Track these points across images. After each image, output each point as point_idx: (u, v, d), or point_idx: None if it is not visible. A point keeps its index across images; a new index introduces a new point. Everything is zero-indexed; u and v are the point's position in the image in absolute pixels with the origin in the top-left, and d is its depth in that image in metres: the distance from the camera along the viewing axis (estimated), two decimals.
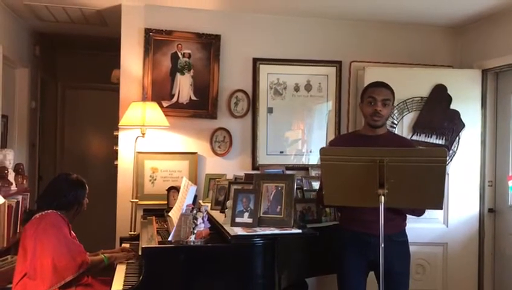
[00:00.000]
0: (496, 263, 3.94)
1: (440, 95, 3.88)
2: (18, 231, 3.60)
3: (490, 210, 3.94)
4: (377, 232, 2.52)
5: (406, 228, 2.78)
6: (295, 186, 2.66)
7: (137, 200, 3.65)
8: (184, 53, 3.85)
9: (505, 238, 3.85)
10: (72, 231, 2.80)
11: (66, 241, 2.61)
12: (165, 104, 3.79)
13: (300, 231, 2.50)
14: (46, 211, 2.68)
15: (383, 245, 2.21)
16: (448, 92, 3.88)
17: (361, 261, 2.67)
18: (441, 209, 2.38)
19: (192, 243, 2.37)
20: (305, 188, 3.32)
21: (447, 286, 3.91)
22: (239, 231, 2.43)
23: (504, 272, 3.86)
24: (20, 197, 3.64)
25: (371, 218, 2.46)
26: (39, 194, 2.94)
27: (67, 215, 2.77)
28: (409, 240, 2.78)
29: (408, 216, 2.76)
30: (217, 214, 2.94)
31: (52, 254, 2.53)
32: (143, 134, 3.60)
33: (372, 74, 3.84)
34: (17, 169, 3.88)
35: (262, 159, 3.99)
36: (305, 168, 4.05)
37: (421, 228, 3.76)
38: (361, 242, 2.63)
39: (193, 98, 3.86)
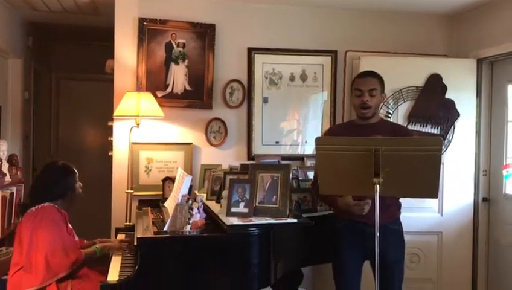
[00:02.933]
0: (490, 251, 3.96)
1: (435, 85, 3.88)
2: (13, 222, 3.58)
3: (484, 199, 3.96)
4: (372, 221, 2.53)
5: (401, 216, 2.79)
6: (291, 176, 2.66)
7: (132, 191, 3.65)
8: (178, 43, 3.82)
9: (499, 227, 3.87)
10: (69, 224, 2.78)
11: (61, 237, 2.58)
12: (159, 94, 3.77)
13: (295, 220, 2.51)
14: (42, 205, 2.65)
15: (378, 234, 2.21)
16: (444, 81, 3.88)
17: (357, 250, 2.67)
18: (436, 198, 2.37)
19: (187, 233, 2.37)
20: (300, 178, 3.33)
21: (441, 274, 3.94)
22: (235, 220, 2.44)
23: (498, 260, 3.89)
24: (14, 189, 3.62)
25: None
26: (31, 188, 2.90)
27: (63, 204, 2.75)
28: (404, 229, 2.80)
29: (404, 205, 2.77)
30: (212, 204, 2.94)
31: (46, 250, 2.51)
32: (138, 124, 3.58)
33: (368, 63, 3.83)
34: (11, 160, 3.86)
35: (257, 150, 3.98)
36: (300, 158, 4.05)
37: (416, 217, 3.78)
38: (357, 231, 2.64)
39: (188, 88, 3.84)
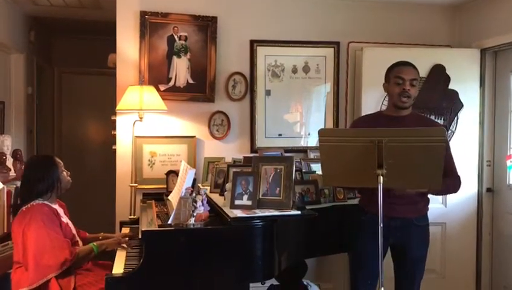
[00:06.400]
0: (493, 242, 3.96)
1: (438, 75, 3.86)
2: None
3: (488, 190, 3.96)
4: (398, 214, 2.51)
5: None
6: (294, 169, 2.65)
7: (136, 184, 3.66)
8: (180, 36, 3.81)
9: (503, 217, 3.87)
10: (63, 218, 2.73)
11: (49, 237, 2.52)
12: (162, 87, 3.77)
13: (299, 212, 2.51)
14: (31, 203, 2.61)
15: (381, 225, 2.19)
16: (447, 72, 3.87)
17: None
18: (439, 188, 2.37)
19: (191, 226, 2.38)
20: (303, 170, 3.33)
21: (445, 265, 3.94)
22: (238, 213, 2.44)
23: (502, 251, 3.89)
24: (18, 183, 3.62)
25: (391, 200, 2.41)
26: (19, 188, 2.86)
27: (52, 197, 2.71)
28: None
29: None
30: (216, 197, 2.95)
31: (34, 251, 2.48)
32: (141, 118, 3.59)
33: (370, 55, 3.82)
34: (15, 155, 3.87)
35: (260, 142, 3.98)
36: (303, 150, 4.04)
37: None
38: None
39: (190, 81, 3.84)
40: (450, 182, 2.56)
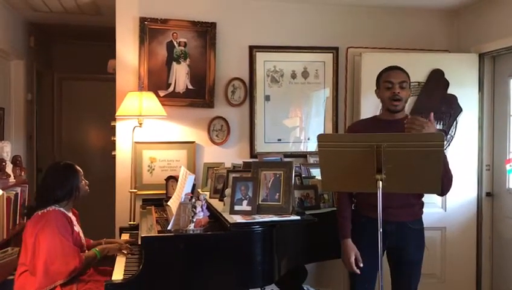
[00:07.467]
0: (493, 246, 3.96)
1: (437, 80, 3.87)
2: (18, 222, 3.61)
3: (488, 194, 3.96)
4: (393, 218, 2.52)
5: None
6: (293, 174, 2.66)
7: (136, 190, 3.66)
8: (180, 42, 3.83)
9: (503, 221, 3.87)
10: (75, 226, 2.77)
11: (61, 244, 2.55)
12: (161, 93, 3.78)
13: (298, 217, 2.51)
14: (47, 209, 2.64)
15: (381, 230, 2.20)
16: (446, 76, 3.87)
17: (376, 247, 2.62)
18: (439, 193, 2.37)
19: (191, 232, 2.38)
20: (303, 175, 3.33)
21: (445, 269, 3.94)
22: (238, 218, 2.44)
23: (502, 255, 3.89)
24: (18, 189, 3.64)
25: (386, 204, 2.37)
26: (36, 191, 2.88)
27: (68, 204, 2.75)
28: None
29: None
30: (215, 203, 2.95)
31: (46, 257, 2.50)
32: (140, 124, 3.59)
33: (369, 60, 3.83)
34: (15, 161, 3.88)
35: (260, 147, 3.99)
36: (303, 155, 4.05)
37: None
38: (377, 229, 2.58)
39: (190, 87, 3.85)
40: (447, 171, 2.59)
